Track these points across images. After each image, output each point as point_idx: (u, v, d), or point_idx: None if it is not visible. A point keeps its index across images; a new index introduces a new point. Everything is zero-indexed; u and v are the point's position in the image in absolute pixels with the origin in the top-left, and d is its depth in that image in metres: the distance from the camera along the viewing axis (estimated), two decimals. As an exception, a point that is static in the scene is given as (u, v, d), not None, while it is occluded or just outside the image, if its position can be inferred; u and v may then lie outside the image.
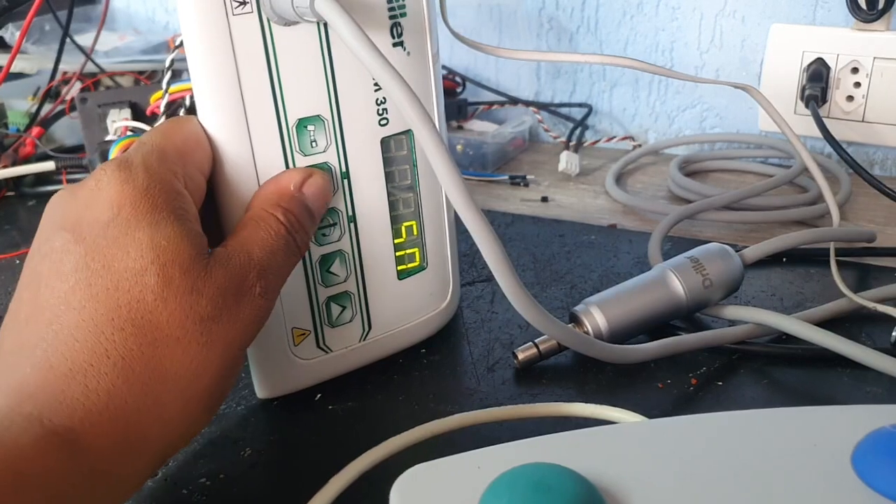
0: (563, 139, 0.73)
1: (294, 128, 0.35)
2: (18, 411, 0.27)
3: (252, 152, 0.34)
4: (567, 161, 0.68)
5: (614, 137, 0.74)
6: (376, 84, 0.37)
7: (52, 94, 0.78)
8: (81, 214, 0.30)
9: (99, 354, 0.28)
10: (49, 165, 0.66)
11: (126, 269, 0.29)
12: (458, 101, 0.76)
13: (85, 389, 0.28)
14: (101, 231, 0.30)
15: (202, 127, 0.34)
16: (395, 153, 0.39)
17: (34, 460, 0.26)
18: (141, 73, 0.80)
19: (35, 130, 0.72)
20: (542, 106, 0.77)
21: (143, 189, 0.30)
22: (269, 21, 0.33)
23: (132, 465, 0.29)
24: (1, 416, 0.27)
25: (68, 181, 0.66)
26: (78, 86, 0.78)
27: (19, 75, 0.83)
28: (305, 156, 0.36)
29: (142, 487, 0.32)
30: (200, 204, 0.34)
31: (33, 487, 0.25)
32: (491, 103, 0.78)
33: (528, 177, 0.67)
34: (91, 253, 0.29)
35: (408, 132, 0.38)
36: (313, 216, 0.35)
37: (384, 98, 0.37)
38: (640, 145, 0.73)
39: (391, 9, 0.36)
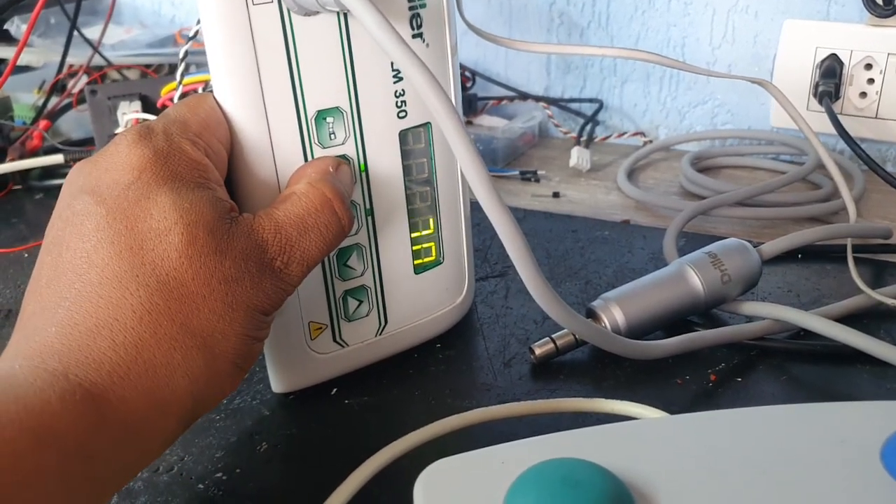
0: (574, 134, 0.73)
1: (313, 119, 0.35)
2: (44, 368, 0.27)
3: (271, 144, 0.34)
4: (578, 156, 0.67)
5: (625, 133, 0.74)
6: (395, 76, 0.36)
7: (58, 87, 0.78)
8: (101, 178, 0.30)
9: (124, 309, 0.28)
10: (58, 158, 0.65)
11: (150, 230, 0.29)
12: (467, 96, 0.75)
13: (112, 344, 0.28)
14: (122, 192, 0.30)
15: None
16: (413, 146, 0.38)
17: (60, 415, 0.25)
18: (148, 66, 0.80)
19: (42, 123, 0.72)
20: (552, 101, 0.77)
21: (164, 155, 0.31)
22: (289, 11, 0.33)
23: (162, 423, 0.29)
24: (24, 374, 0.26)
25: (77, 174, 0.66)
26: (85, 79, 0.78)
27: (25, 68, 0.83)
28: (324, 148, 0.35)
29: (165, 450, 0.31)
30: (224, 175, 0.34)
31: (59, 443, 0.25)
32: (500, 98, 0.78)
33: (538, 172, 0.67)
34: (113, 213, 0.29)
35: (426, 125, 0.38)
36: (349, 200, 0.35)
37: (403, 90, 0.37)
38: (650, 141, 0.73)
39: (411, 0, 0.35)
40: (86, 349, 0.27)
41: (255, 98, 0.33)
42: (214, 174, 0.32)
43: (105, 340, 0.28)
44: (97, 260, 0.29)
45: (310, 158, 0.35)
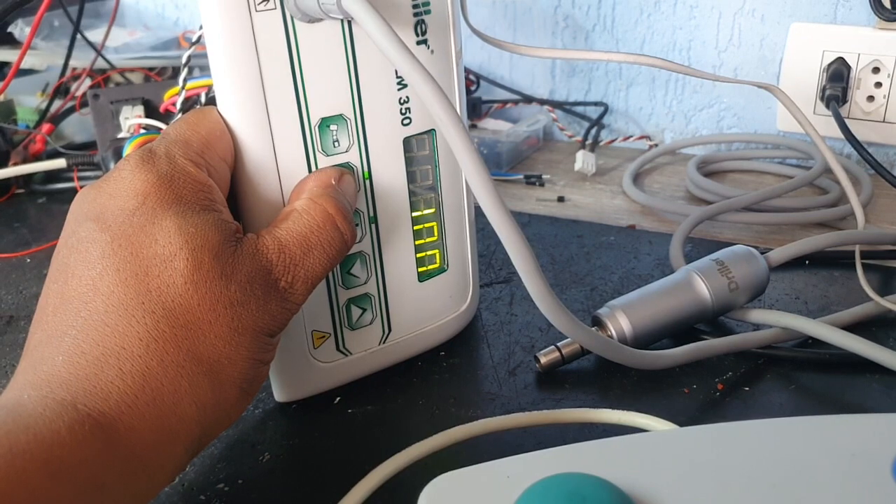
0: (579, 138, 0.72)
1: (317, 127, 0.34)
2: (52, 398, 0.26)
3: (274, 152, 0.34)
4: (583, 160, 0.67)
5: (630, 137, 0.73)
6: (399, 83, 0.36)
7: (61, 90, 0.77)
8: (106, 204, 0.30)
9: (131, 337, 0.28)
10: (60, 163, 0.65)
11: (155, 256, 0.29)
12: (472, 100, 0.75)
13: (119, 373, 0.27)
14: (126, 219, 0.29)
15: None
16: (417, 153, 0.38)
17: (70, 447, 0.25)
18: (151, 69, 0.80)
19: (45, 127, 0.72)
20: (556, 104, 0.77)
21: (168, 179, 0.30)
22: (292, 18, 0.32)
23: (170, 451, 0.28)
24: (34, 404, 0.26)
25: (79, 178, 0.66)
26: (88, 82, 0.78)
27: (29, 71, 0.83)
28: (328, 156, 0.35)
29: (174, 479, 0.31)
30: (227, 192, 0.33)
31: (69, 475, 0.25)
32: (505, 102, 0.77)
33: (543, 176, 0.67)
34: (118, 240, 0.29)
35: (430, 132, 0.38)
36: (351, 214, 0.35)
37: (407, 97, 0.36)
38: (656, 145, 0.72)
39: (415, 6, 0.35)
40: (93, 378, 0.27)
41: (259, 105, 0.33)
42: (218, 194, 0.32)
43: (112, 369, 0.27)
44: (103, 287, 0.28)
45: (313, 166, 0.35)
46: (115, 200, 0.30)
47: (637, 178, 0.66)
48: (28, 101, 0.80)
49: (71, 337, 0.28)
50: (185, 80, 0.49)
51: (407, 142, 0.37)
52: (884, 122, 0.64)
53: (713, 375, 0.39)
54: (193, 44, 0.46)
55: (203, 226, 0.30)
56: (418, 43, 0.36)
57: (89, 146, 0.73)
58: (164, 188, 0.30)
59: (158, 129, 0.59)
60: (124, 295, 0.28)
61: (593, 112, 0.76)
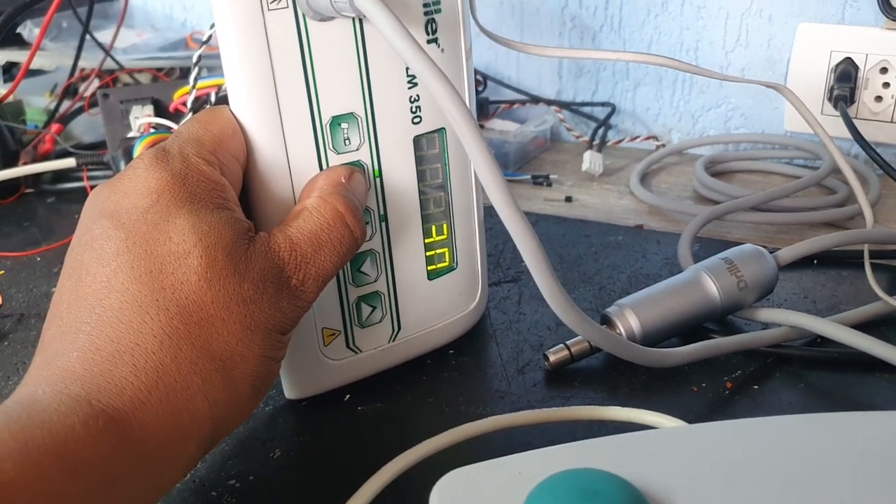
0: (586, 138, 0.72)
1: (328, 125, 0.35)
2: (66, 393, 0.26)
3: (286, 150, 0.34)
4: (591, 161, 0.67)
5: (637, 137, 0.74)
6: (410, 81, 0.36)
7: (70, 90, 0.78)
8: (120, 202, 0.30)
9: (145, 334, 0.28)
10: (70, 162, 0.65)
11: (169, 253, 0.29)
12: (479, 100, 0.75)
13: (133, 369, 0.27)
14: (140, 216, 0.30)
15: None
16: (427, 151, 0.38)
17: (84, 442, 0.25)
18: (159, 69, 0.80)
19: (54, 127, 0.72)
20: (564, 105, 0.77)
21: (182, 177, 0.30)
22: (304, 16, 0.33)
23: (182, 448, 0.29)
24: (48, 399, 0.26)
25: (89, 178, 0.66)
26: (96, 82, 0.78)
27: (38, 72, 0.83)
28: (339, 154, 0.35)
29: (186, 476, 0.31)
30: (239, 190, 0.34)
31: (83, 470, 0.25)
32: (512, 102, 0.77)
33: (551, 176, 0.67)
34: (132, 237, 0.29)
35: (440, 130, 0.38)
36: (361, 212, 0.35)
37: (418, 95, 0.36)
38: (663, 145, 0.72)
39: (426, 5, 0.35)
40: (107, 374, 0.27)
41: (271, 103, 0.33)
42: (231, 193, 0.32)
43: (126, 366, 0.28)
44: (117, 284, 0.29)
45: (324, 164, 0.35)
46: (129, 198, 0.30)
47: (644, 179, 0.66)
48: (37, 101, 0.81)
49: (85, 333, 0.28)
50: (195, 80, 0.49)
51: (417, 140, 0.37)
52: (892, 122, 0.64)
53: (722, 374, 0.39)
54: (204, 43, 0.47)
55: (216, 224, 0.30)
56: (429, 42, 0.36)
57: (98, 146, 0.73)
58: (177, 186, 0.30)
59: (168, 129, 0.59)
60: (138, 292, 0.28)
61: (600, 112, 0.76)
